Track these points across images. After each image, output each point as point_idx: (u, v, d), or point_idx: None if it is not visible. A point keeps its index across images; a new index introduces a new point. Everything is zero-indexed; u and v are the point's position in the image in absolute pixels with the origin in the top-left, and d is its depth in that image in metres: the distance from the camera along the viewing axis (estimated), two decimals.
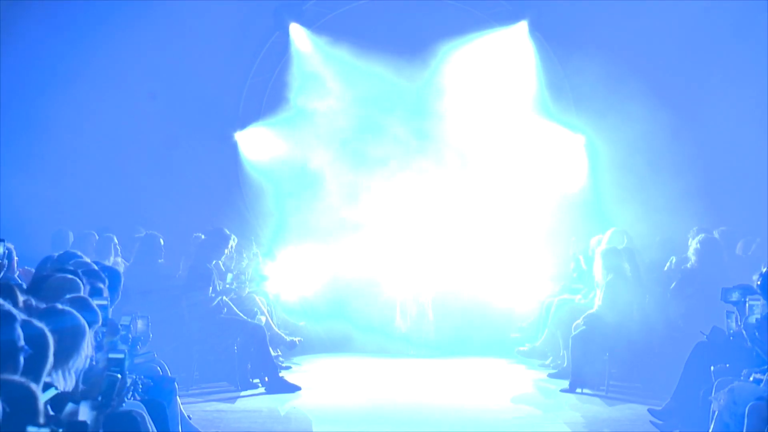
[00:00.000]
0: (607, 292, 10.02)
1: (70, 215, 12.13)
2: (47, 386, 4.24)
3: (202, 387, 10.11)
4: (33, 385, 3.47)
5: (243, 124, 14.15)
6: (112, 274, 7.04)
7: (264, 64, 14.15)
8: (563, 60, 13.74)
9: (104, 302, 5.78)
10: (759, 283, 7.01)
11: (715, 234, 10.49)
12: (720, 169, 12.81)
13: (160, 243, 10.85)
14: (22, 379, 3.57)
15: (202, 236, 11.06)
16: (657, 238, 11.85)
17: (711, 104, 12.76)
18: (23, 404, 3.39)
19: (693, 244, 10.12)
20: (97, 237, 11.01)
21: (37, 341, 4.11)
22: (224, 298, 10.40)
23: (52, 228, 11.31)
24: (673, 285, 10.22)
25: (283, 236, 13.66)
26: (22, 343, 3.93)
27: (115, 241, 10.96)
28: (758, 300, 6.86)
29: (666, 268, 10.57)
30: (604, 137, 13.46)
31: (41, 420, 3.40)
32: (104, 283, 6.32)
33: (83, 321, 4.82)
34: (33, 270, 7.50)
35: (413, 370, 11.73)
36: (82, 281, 5.79)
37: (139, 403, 5.88)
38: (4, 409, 3.28)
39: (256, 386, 10.23)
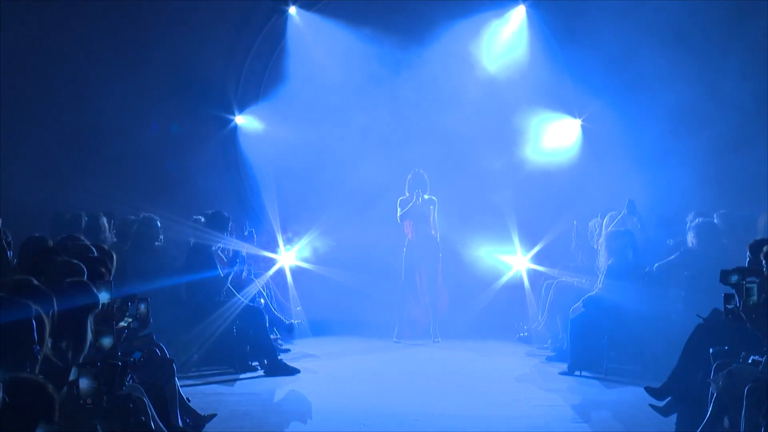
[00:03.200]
0: (607, 275, 10.03)
1: (69, 199, 12.09)
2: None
3: (200, 369, 10.12)
4: (50, 387, 3.43)
5: (242, 107, 14.12)
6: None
7: (263, 46, 14.10)
8: (562, 42, 13.71)
9: (106, 285, 5.78)
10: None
11: (715, 218, 10.47)
12: (720, 151, 12.78)
13: (157, 225, 10.83)
14: (38, 378, 3.54)
15: (202, 219, 11.05)
16: (654, 220, 11.85)
17: (711, 85, 12.73)
18: (39, 404, 3.36)
19: (692, 228, 10.11)
20: (86, 219, 10.95)
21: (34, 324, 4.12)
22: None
23: (49, 211, 11.27)
24: (661, 263, 10.24)
25: (282, 218, 13.66)
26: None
27: (105, 222, 10.89)
28: (755, 282, 6.85)
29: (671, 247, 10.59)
30: (602, 120, 13.45)
31: (56, 419, 3.38)
32: (105, 267, 6.32)
33: (83, 305, 4.82)
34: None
35: (412, 352, 11.75)
36: (83, 265, 5.79)
37: (137, 385, 5.89)
38: (15, 407, 3.24)
39: (255, 369, 10.25)
